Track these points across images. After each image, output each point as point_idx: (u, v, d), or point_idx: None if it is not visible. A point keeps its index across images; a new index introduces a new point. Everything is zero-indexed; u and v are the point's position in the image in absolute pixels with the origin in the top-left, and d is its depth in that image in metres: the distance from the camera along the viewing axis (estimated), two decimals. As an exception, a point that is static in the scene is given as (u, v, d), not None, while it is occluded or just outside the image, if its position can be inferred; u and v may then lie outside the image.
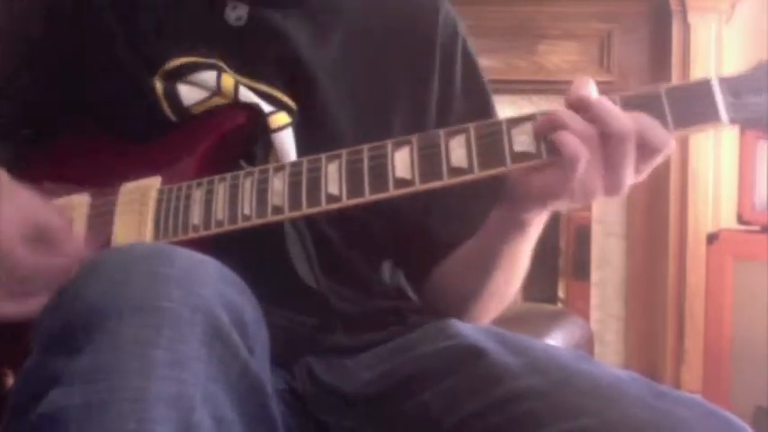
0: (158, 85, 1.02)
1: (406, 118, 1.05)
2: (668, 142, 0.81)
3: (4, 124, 1.11)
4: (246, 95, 1.00)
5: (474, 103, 1.09)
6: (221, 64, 1.01)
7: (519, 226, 0.93)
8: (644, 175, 0.83)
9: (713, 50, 2.82)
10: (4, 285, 0.90)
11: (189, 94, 1.01)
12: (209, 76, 1.01)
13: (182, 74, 1.02)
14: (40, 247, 0.91)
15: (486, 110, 1.09)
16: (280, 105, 1.00)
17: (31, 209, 0.93)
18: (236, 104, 1.00)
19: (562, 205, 0.87)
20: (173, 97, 1.01)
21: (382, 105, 1.04)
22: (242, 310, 0.73)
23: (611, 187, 0.83)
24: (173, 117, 1.02)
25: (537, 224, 0.94)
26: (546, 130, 0.83)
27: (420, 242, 1.06)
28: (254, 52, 1.02)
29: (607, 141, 0.81)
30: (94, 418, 0.64)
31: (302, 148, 1.00)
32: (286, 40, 1.02)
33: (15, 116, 1.11)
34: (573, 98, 0.83)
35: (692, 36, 2.82)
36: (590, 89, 0.84)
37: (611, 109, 0.81)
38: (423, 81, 1.06)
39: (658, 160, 0.83)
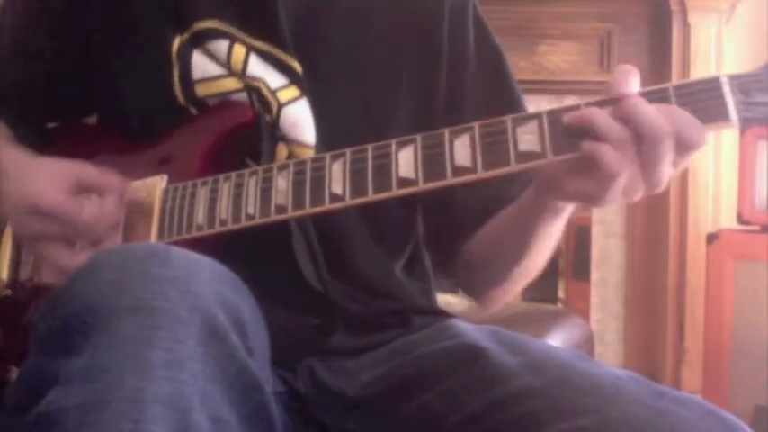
0: (176, 46, 1.02)
1: (415, 81, 1.05)
2: (704, 137, 0.78)
3: (31, 112, 1.11)
4: (255, 69, 1.00)
5: (488, 64, 1.09)
6: (236, 32, 1.01)
7: (553, 210, 0.91)
8: (681, 168, 0.80)
9: (713, 50, 2.83)
10: (67, 243, 0.93)
11: (200, 65, 1.01)
12: (222, 46, 1.01)
13: (203, 39, 1.01)
14: (89, 198, 0.93)
15: (500, 71, 1.10)
16: (290, 74, 1.00)
17: (63, 169, 0.95)
18: (242, 102, 1.00)
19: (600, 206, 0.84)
20: (184, 64, 1.01)
21: (392, 67, 1.05)
22: (240, 310, 0.73)
23: (651, 186, 0.79)
24: (179, 91, 1.02)
25: (571, 207, 0.92)
26: (576, 129, 0.80)
27: (449, 215, 1.05)
28: (267, 17, 1.02)
29: (641, 143, 0.77)
30: (91, 417, 0.64)
31: (314, 114, 1.00)
32: (303, 3, 1.02)
33: (40, 104, 1.11)
34: (611, 96, 0.80)
35: (692, 36, 2.82)
36: (630, 84, 0.79)
37: (645, 110, 0.78)
38: (431, 44, 1.06)
39: (695, 154, 0.80)
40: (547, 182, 0.85)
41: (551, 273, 3.07)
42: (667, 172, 0.79)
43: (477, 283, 1.08)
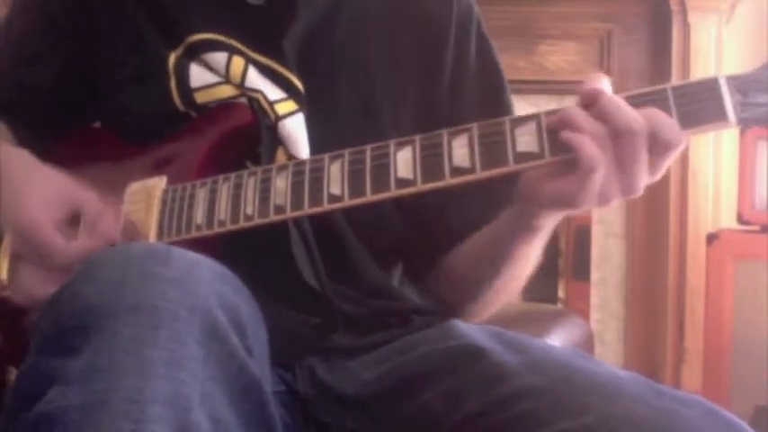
0: (172, 60, 1.02)
1: (418, 95, 1.06)
2: (681, 138, 0.79)
3: (32, 122, 1.11)
4: (253, 81, 1.00)
5: (488, 83, 1.10)
6: (236, 44, 1.01)
7: (530, 229, 0.93)
8: (659, 174, 0.81)
9: (713, 50, 2.82)
10: (46, 271, 0.92)
11: (198, 75, 1.01)
12: (220, 58, 1.01)
13: (199, 51, 1.02)
14: (76, 229, 0.93)
15: (499, 92, 1.11)
16: (289, 89, 1.01)
17: (60, 191, 0.95)
18: (242, 104, 1.00)
19: (577, 211, 0.85)
20: (182, 75, 1.02)
21: (394, 82, 1.05)
22: (239, 310, 0.73)
23: (627, 188, 0.80)
24: (177, 100, 1.02)
25: (549, 226, 0.93)
26: (556, 128, 0.81)
27: (434, 227, 1.06)
28: (270, 31, 1.02)
29: (617, 139, 0.79)
30: (91, 417, 0.65)
31: (312, 130, 1.00)
32: (303, 18, 1.02)
33: (41, 113, 1.12)
34: (583, 93, 0.81)
35: (692, 36, 2.82)
36: (602, 85, 0.81)
37: (621, 105, 0.79)
38: (436, 59, 1.07)
39: (673, 157, 0.80)
40: (527, 187, 0.86)
41: (551, 273, 3.07)
42: (644, 173, 0.80)
43: (453, 297, 1.08)
